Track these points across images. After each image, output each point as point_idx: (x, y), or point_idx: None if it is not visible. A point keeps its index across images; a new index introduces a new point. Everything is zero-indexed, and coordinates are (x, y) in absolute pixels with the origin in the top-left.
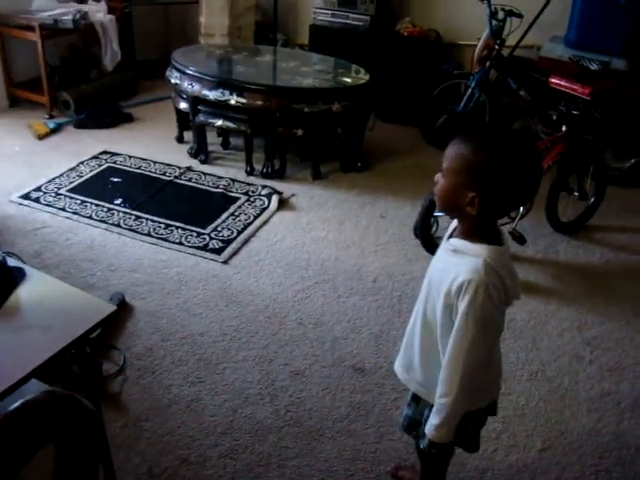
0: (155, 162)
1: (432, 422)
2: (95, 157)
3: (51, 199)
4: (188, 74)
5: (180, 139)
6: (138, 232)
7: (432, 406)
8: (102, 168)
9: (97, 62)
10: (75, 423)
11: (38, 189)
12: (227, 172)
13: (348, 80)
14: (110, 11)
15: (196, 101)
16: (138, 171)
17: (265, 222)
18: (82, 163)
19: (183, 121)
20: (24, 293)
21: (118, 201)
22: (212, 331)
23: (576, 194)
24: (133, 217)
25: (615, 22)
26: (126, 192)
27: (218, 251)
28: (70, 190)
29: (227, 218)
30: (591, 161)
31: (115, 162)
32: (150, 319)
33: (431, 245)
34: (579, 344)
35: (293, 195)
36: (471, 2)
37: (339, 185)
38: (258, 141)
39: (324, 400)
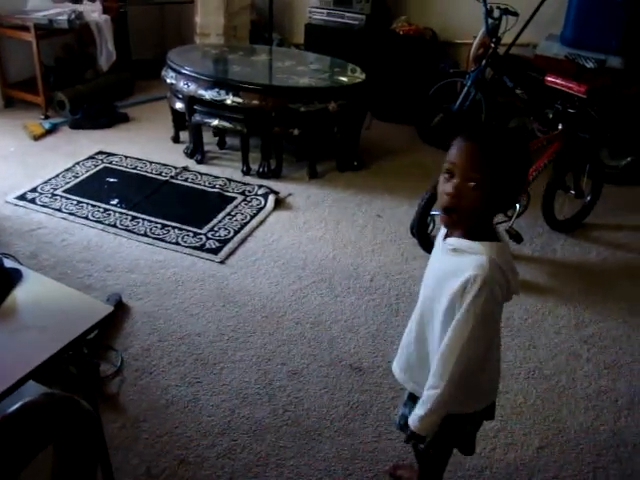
0: (151, 162)
1: (417, 412)
2: (91, 157)
3: (47, 200)
4: (184, 74)
5: (176, 139)
6: (134, 232)
7: None
8: (98, 168)
9: (92, 62)
10: (74, 425)
11: (34, 190)
12: (223, 172)
13: (344, 79)
14: (105, 11)
15: (192, 101)
16: (134, 171)
17: (262, 222)
18: (78, 164)
19: (179, 121)
20: (21, 294)
21: (114, 201)
22: (209, 331)
23: (572, 192)
24: (129, 217)
25: (611, 20)
26: (122, 192)
27: (215, 251)
28: (66, 191)
29: (224, 218)
30: (587, 159)
31: (111, 162)
32: (147, 319)
33: (428, 244)
34: (576, 342)
35: (289, 195)
36: (467, 0)
37: (335, 184)
38: (254, 141)
39: (322, 399)
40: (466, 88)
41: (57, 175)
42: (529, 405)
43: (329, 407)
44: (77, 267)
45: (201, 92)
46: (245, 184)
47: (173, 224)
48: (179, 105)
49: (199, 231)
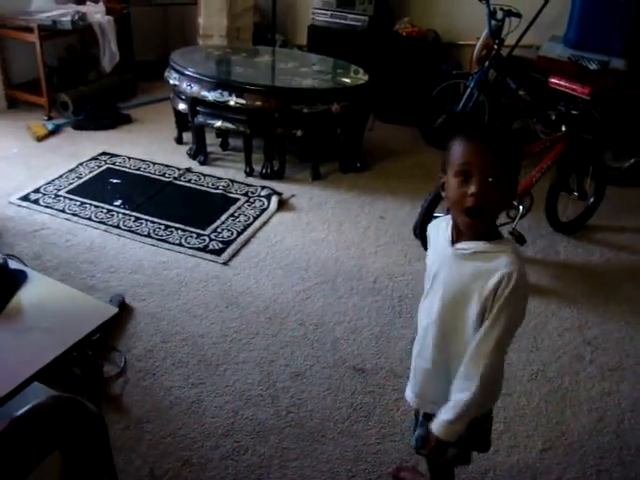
0: (154, 163)
1: (443, 418)
2: (94, 158)
3: (50, 201)
4: (187, 75)
5: (179, 140)
6: (138, 233)
7: None
8: (101, 169)
9: (95, 63)
10: (81, 428)
11: (37, 191)
12: (226, 173)
13: (347, 80)
14: (108, 12)
15: (195, 102)
16: (137, 172)
17: (265, 223)
18: (81, 164)
19: (182, 122)
20: (26, 296)
21: (117, 202)
22: (212, 332)
23: (575, 194)
24: (133, 218)
25: (614, 21)
26: (125, 193)
27: (218, 252)
28: (69, 192)
29: (227, 219)
30: (591, 161)
31: (114, 163)
32: (150, 320)
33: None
34: (579, 344)
35: (293, 196)
36: (470, 2)
37: (338, 186)
38: (257, 142)
39: (325, 401)
40: (469, 89)
41: (60, 176)
42: (532, 407)
43: (332, 409)
44: (80, 268)
45: (204, 93)
46: (248, 185)
47: (176, 225)
48: (182, 106)
49: (202, 232)
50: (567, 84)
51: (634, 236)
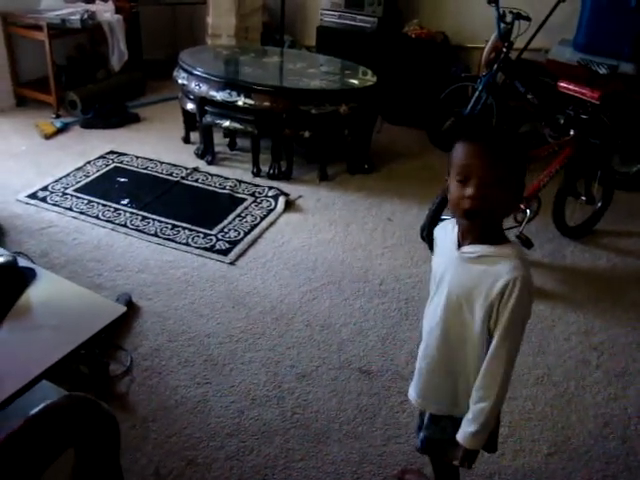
0: (162, 162)
1: (469, 430)
2: (102, 157)
3: (58, 199)
4: (195, 75)
5: (187, 140)
6: (145, 232)
7: (455, 420)
8: (109, 168)
9: (104, 62)
10: (95, 426)
11: (45, 189)
12: (234, 173)
13: (355, 82)
14: (117, 11)
15: (203, 102)
16: (145, 171)
17: (272, 223)
18: (89, 163)
19: (190, 122)
20: (35, 293)
21: (125, 201)
22: (219, 332)
23: (583, 198)
24: (140, 217)
25: (624, 25)
26: (133, 192)
27: (225, 252)
28: (77, 190)
29: (234, 219)
30: (599, 165)
31: (122, 162)
32: (157, 320)
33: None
34: (586, 349)
35: (300, 197)
36: (479, 4)
37: (346, 187)
38: (265, 142)
39: (331, 402)
40: (477, 92)
41: (68, 174)
42: (538, 411)
43: (338, 410)
44: (87, 266)
45: (212, 93)
46: (255, 185)
47: (183, 225)
48: (190, 106)
49: (209, 232)
50: (576, 88)
51: None
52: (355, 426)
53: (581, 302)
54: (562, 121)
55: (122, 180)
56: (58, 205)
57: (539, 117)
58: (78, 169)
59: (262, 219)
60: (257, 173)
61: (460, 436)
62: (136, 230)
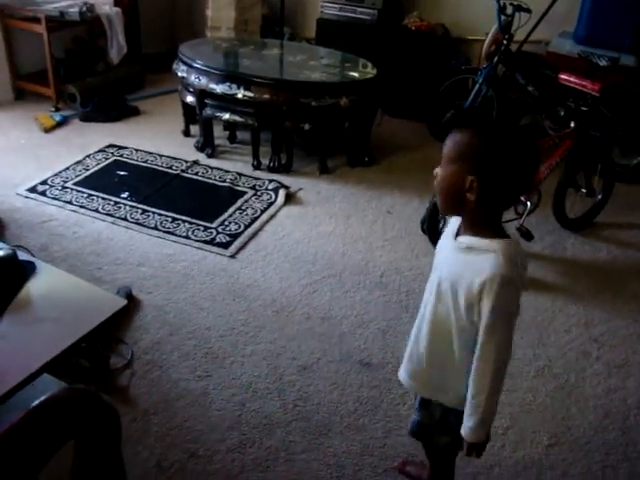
0: (162, 156)
1: (467, 425)
2: (101, 150)
3: (57, 192)
4: (195, 67)
5: (187, 133)
6: (145, 226)
7: (444, 407)
8: (108, 161)
9: (103, 55)
10: (95, 419)
11: (44, 182)
12: (234, 166)
13: (355, 74)
14: (116, 3)
15: (203, 95)
16: (145, 165)
17: (272, 216)
18: (88, 156)
19: (190, 115)
20: (35, 287)
21: (125, 194)
22: (219, 325)
23: (584, 191)
24: (140, 211)
25: (624, 17)
26: (133, 185)
27: (225, 245)
28: (76, 183)
29: (234, 212)
30: (599, 158)
31: (121, 155)
32: (157, 313)
33: (438, 240)
34: (586, 341)
35: (300, 189)
36: None
37: (346, 180)
38: (265, 135)
39: (332, 395)
40: (478, 85)
41: (67, 168)
42: (538, 403)
43: (339, 402)
44: (87, 260)
45: (212, 86)
46: (256, 178)
47: (183, 218)
48: (190, 99)
49: (209, 225)
50: (577, 80)
51: None
52: (356, 418)
53: (581, 294)
54: (562, 113)
55: (122, 173)
56: (58, 199)
57: (539, 109)
58: (78, 163)
59: (262, 212)
60: (257, 166)
61: (462, 430)
62: (136, 223)
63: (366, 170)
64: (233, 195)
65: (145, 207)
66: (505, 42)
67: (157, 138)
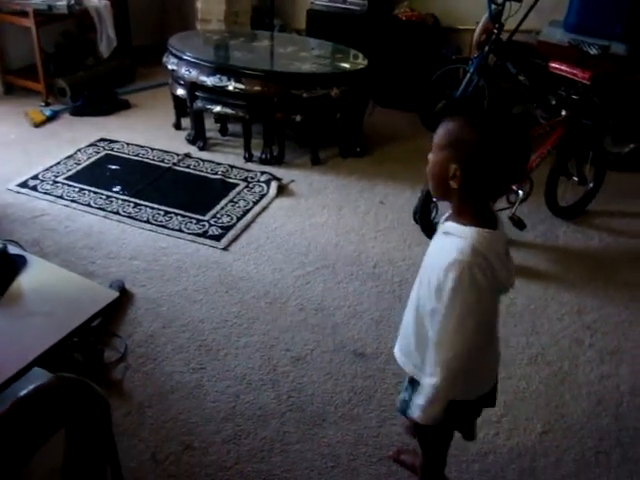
0: (153, 149)
1: (416, 402)
2: (92, 144)
3: (49, 187)
4: (185, 60)
5: (178, 126)
6: (137, 219)
7: None
8: (100, 155)
9: (93, 48)
10: (85, 408)
11: (35, 177)
12: (226, 158)
13: (346, 65)
14: None
15: (194, 87)
16: (136, 158)
17: (264, 208)
18: (79, 151)
19: (180, 107)
20: (26, 281)
21: (116, 188)
22: (213, 318)
23: (575, 179)
24: (132, 204)
25: (615, 6)
26: (124, 179)
27: (217, 238)
28: (68, 178)
29: (226, 205)
30: (590, 146)
31: (113, 149)
32: (150, 306)
33: (431, 230)
34: (579, 328)
35: (292, 181)
36: None
37: (338, 171)
38: (256, 127)
39: (326, 385)
40: (469, 74)
41: (58, 162)
42: (532, 391)
43: (333, 393)
44: (80, 254)
45: (203, 78)
46: (247, 171)
47: (176, 211)
48: (181, 91)
49: (202, 218)
50: (567, 69)
51: (633, 221)
52: (350, 408)
53: (574, 282)
54: (554, 102)
55: (113, 167)
56: (49, 193)
57: (531, 98)
58: (69, 157)
59: (255, 204)
60: (249, 158)
61: (412, 407)
62: (128, 217)
63: (358, 161)
64: (225, 187)
65: (137, 201)
66: (496, 31)
67: (148, 131)
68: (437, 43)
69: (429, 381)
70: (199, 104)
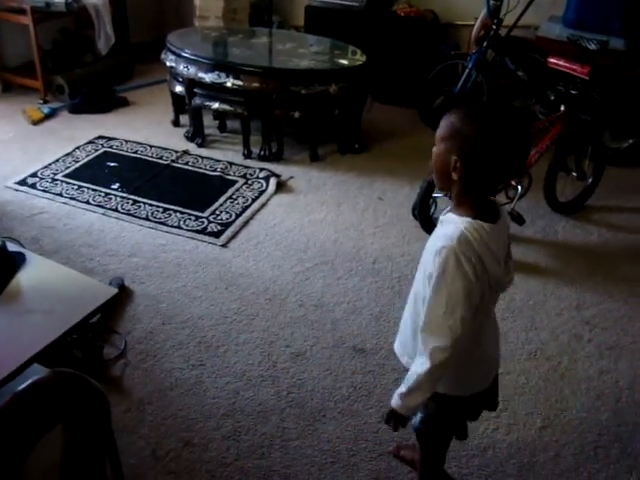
0: (151, 146)
1: (398, 390)
2: (91, 142)
3: (48, 185)
4: (184, 57)
5: (176, 123)
6: (136, 216)
7: None
8: (98, 153)
9: (91, 46)
10: (83, 403)
11: (34, 175)
12: (224, 155)
13: (345, 61)
14: None
15: (192, 84)
16: (135, 155)
17: (263, 205)
18: (78, 148)
19: (179, 104)
20: (25, 278)
21: (115, 186)
22: (212, 314)
23: (574, 174)
24: (131, 201)
25: (613, 1)
26: (123, 177)
27: (217, 234)
28: (66, 175)
29: (225, 201)
30: (589, 141)
31: (111, 147)
32: (150, 303)
33: (430, 226)
34: (578, 323)
35: (291, 177)
36: None
37: (337, 167)
38: (255, 124)
39: (325, 381)
40: (467, 70)
41: (57, 160)
42: (531, 386)
43: (333, 388)
44: (79, 251)
45: (201, 75)
46: (246, 167)
47: (174, 208)
48: (179, 88)
49: (201, 215)
50: (566, 64)
51: (632, 216)
52: (350, 404)
53: (573, 277)
54: (552, 97)
55: (112, 165)
56: (48, 191)
57: (529, 94)
58: (67, 155)
59: (253, 201)
60: (248, 155)
61: (394, 395)
62: (127, 214)
63: (357, 157)
64: (224, 184)
65: (136, 198)
66: (494, 27)
67: (147, 129)
68: (436, 39)
69: (413, 368)
70: (197, 101)
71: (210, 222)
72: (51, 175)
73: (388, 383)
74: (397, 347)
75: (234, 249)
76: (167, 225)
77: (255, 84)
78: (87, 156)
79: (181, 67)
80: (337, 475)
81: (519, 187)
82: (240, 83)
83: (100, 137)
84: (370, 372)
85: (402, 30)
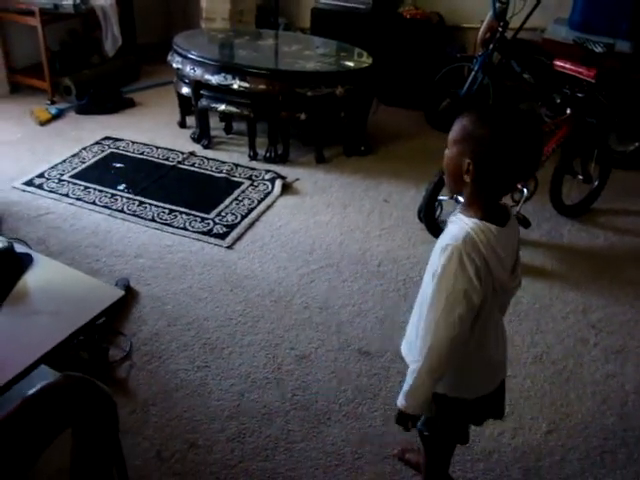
0: (158, 147)
1: (402, 389)
2: (97, 143)
3: (54, 185)
4: (190, 58)
5: (182, 124)
6: (142, 217)
7: None
8: (105, 154)
9: (98, 47)
10: (93, 407)
11: (41, 175)
12: (230, 157)
13: (351, 64)
14: None
15: (198, 86)
16: (141, 156)
17: (269, 207)
18: (84, 149)
19: (185, 106)
20: (32, 279)
21: (121, 187)
22: (217, 316)
23: (580, 177)
24: (137, 202)
25: (620, 3)
26: (129, 178)
27: (222, 236)
28: (73, 176)
29: (231, 203)
30: (595, 144)
31: (118, 148)
32: (155, 304)
33: (435, 229)
34: (584, 327)
35: (297, 179)
36: None
37: (342, 169)
38: (261, 126)
39: (330, 384)
40: (473, 72)
41: (64, 160)
42: (537, 389)
43: (337, 391)
44: (85, 252)
45: (207, 77)
46: (252, 169)
47: (180, 209)
48: (185, 90)
49: (206, 216)
50: (572, 67)
51: (638, 219)
52: (355, 407)
53: (579, 280)
54: (558, 100)
55: (118, 166)
56: (54, 192)
57: (535, 97)
58: (74, 155)
59: (259, 202)
60: (254, 156)
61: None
62: (133, 215)
63: (362, 159)
64: (230, 186)
65: (142, 199)
66: (500, 29)
67: (153, 130)
68: (442, 41)
69: (412, 367)
70: (204, 102)
71: (216, 224)
72: (58, 176)
73: (393, 386)
74: (403, 348)
75: (239, 251)
76: (173, 226)
77: (261, 86)
78: (94, 157)
79: (187, 69)
80: (342, 478)
81: (525, 190)
82: (246, 85)
83: (107, 138)
84: (375, 375)
85: (408, 32)
